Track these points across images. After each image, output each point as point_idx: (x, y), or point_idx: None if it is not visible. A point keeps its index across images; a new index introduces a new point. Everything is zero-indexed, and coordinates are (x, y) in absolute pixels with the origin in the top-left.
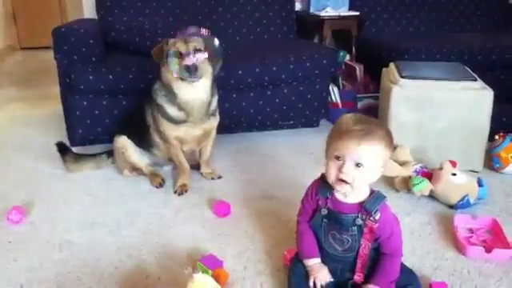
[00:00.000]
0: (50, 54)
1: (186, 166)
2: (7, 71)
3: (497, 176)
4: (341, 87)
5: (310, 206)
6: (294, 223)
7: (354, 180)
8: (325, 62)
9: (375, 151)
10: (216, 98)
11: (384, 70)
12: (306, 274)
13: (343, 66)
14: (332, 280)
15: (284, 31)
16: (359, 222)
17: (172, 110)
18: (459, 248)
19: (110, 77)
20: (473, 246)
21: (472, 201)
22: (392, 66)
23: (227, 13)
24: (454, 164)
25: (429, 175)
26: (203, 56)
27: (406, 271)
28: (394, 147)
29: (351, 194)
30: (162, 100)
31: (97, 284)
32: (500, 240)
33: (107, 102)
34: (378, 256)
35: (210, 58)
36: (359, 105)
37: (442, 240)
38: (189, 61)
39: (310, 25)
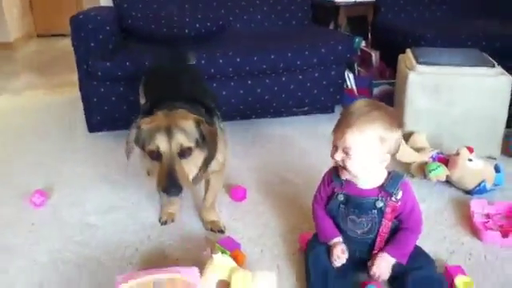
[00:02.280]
0: (66, 42)
1: None
2: (24, 58)
3: None
4: (356, 73)
5: (325, 193)
6: (310, 208)
7: (346, 166)
8: (340, 48)
9: (362, 139)
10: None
11: (400, 56)
12: (323, 256)
13: (359, 52)
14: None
15: (299, 18)
16: (380, 204)
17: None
18: (475, 233)
19: (127, 63)
20: (489, 230)
21: (489, 186)
22: (408, 52)
23: (242, 0)
24: (470, 150)
25: (445, 161)
26: (193, 158)
27: (421, 253)
28: (401, 135)
29: (365, 179)
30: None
31: (117, 265)
32: None
33: (124, 89)
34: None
35: (203, 144)
36: (375, 91)
37: (459, 225)
38: (172, 184)
39: (325, 11)
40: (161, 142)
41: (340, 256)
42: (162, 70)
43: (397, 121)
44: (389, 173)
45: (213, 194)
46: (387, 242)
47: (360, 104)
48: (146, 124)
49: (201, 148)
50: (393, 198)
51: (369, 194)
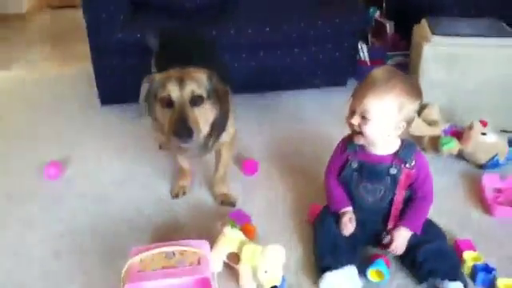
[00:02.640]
0: (77, 13)
1: (186, 167)
2: (36, 30)
3: None
4: (370, 45)
5: (338, 162)
6: (321, 180)
7: (363, 131)
8: (354, 18)
9: (381, 104)
10: (222, 124)
11: (415, 26)
12: (332, 228)
13: (373, 23)
14: (354, 223)
15: None
16: (393, 171)
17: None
18: (486, 207)
19: (138, 35)
20: (500, 205)
21: (501, 161)
22: (424, 22)
23: None
24: (484, 124)
25: (458, 134)
26: (204, 108)
27: (432, 226)
28: (418, 104)
29: (376, 143)
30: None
31: (131, 236)
32: None
33: (136, 61)
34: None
35: (215, 99)
36: (389, 63)
37: (470, 199)
38: (183, 126)
39: None
40: (172, 89)
41: (347, 224)
42: (175, 41)
43: (416, 90)
44: (402, 141)
45: (224, 166)
46: (401, 213)
47: (381, 70)
48: (158, 76)
49: (212, 103)
50: (407, 165)
51: (383, 160)
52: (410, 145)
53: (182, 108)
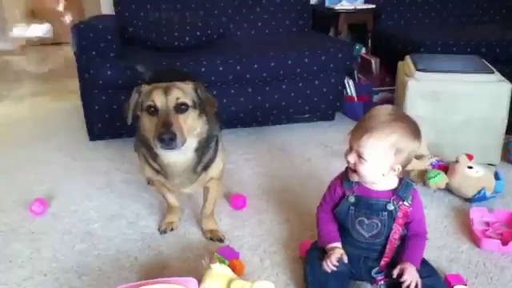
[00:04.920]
0: (69, 49)
1: (174, 204)
2: (28, 66)
3: None
4: (356, 80)
5: (332, 199)
6: (309, 216)
7: (357, 169)
8: (340, 55)
9: (377, 147)
10: (211, 150)
11: (400, 63)
12: (321, 262)
13: (359, 60)
14: (345, 260)
15: (299, 25)
16: (391, 207)
17: (155, 165)
18: (475, 241)
19: (128, 72)
20: (489, 238)
21: (488, 194)
22: (408, 58)
23: (243, 7)
24: (470, 157)
25: (445, 168)
26: (189, 116)
27: (424, 263)
28: (417, 148)
29: (370, 181)
30: (143, 152)
31: (117, 274)
32: None
33: (125, 97)
34: (402, 243)
35: (201, 110)
36: (375, 98)
37: (458, 233)
38: (166, 131)
39: (325, 18)
40: (158, 97)
41: (331, 261)
42: (163, 77)
43: (416, 134)
44: (400, 179)
45: (212, 202)
46: (396, 250)
47: (383, 111)
48: (146, 87)
49: (197, 113)
50: (405, 203)
51: (380, 196)
52: (408, 183)
53: (167, 114)
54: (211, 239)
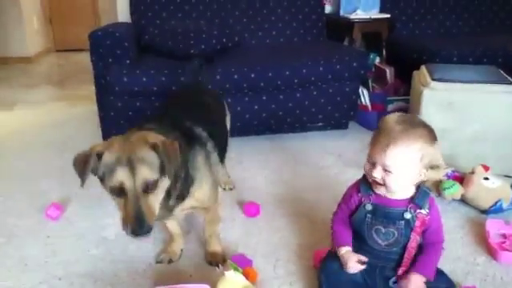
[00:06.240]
0: (83, 56)
1: (174, 230)
2: (44, 72)
3: None
4: (370, 90)
5: (348, 207)
6: (323, 224)
7: (386, 183)
8: (355, 64)
9: (405, 156)
10: (185, 172)
11: (415, 72)
12: (336, 271)
13: (373, 69)
14: (364, 267)
15: (314, 34)
16: (408, 215)
17: None
18: (491, 253)
19: (144, 79)
20: (505, 251)
21: (505, 206)
22: (423, 68)
23: (258, 16)
24: (486, 168)
25: (460, 179)
26: (158, 191)
27: (441, 274)
28: (437, 148)
29: (396, 192)
30: None
31: (132, 279)
32: None
33: (141, 103)
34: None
35: (168, 170)
36: (389, 107)
37: (474, 245)
38: (139, 226)
39: (340, 27)
40: (124, 178)
41: (354, 263)
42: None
43: (434, 137)
44: (418, 186)
45: (211, 228)
46: (413, 259)
47: (397, 118)
48: (101, 149)
49: (166, 177)
50: (423, 211)
51: (398, 204)
52: (425, 192)
53: (136, 199)
54: (210, 264)
